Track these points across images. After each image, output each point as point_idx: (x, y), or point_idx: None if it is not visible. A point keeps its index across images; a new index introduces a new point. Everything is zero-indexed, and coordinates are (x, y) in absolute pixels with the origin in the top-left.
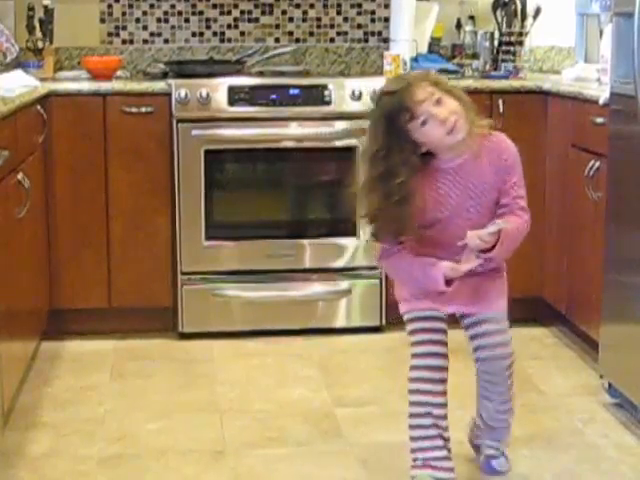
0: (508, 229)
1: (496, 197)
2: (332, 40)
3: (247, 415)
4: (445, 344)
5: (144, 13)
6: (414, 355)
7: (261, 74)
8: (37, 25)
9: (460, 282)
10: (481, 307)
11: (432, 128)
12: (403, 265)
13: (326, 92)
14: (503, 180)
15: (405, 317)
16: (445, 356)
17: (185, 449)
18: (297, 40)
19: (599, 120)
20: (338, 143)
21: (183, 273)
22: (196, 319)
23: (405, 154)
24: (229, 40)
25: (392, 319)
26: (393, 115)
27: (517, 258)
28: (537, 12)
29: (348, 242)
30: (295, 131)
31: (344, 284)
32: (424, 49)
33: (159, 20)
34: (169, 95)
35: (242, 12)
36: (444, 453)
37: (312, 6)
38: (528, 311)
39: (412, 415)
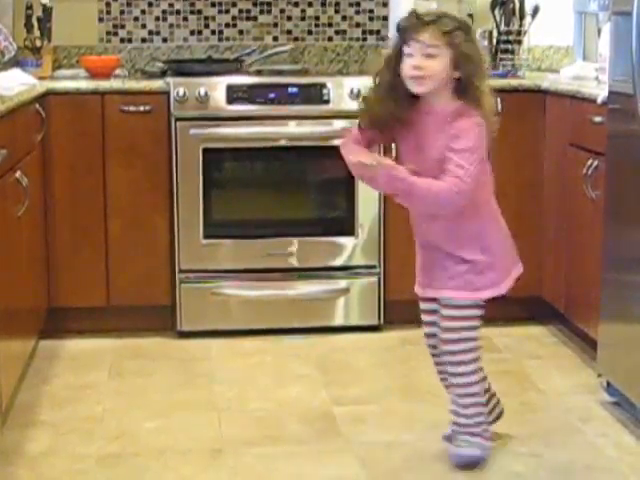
0: (417, 183)
1: (439, 158)
2: (330, 39)
3: (245, 414)
4: (433, 324)
5: (142, 12)
6: None
7: (259, 73)
8: (35, 23)
9: (426, 269)
10: (434, 290)
11: (406, 65)
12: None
13: (324, 91)
14: (448, 147)
15: None
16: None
17: (184, 448)
18: (295, 39)
19: (597, 119)
20: (337, 142)
21: (181, 271)
22: (194, 318)
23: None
24: (227, 39)
25: (390, 318)
26: (402, 30)
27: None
28: (535, 11)
29: (346, 241)
30: (293, 130)
31: (342, 283)
32: None
33: (157, 19)
34: (167, 94)
35: (240, 11)
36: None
37: (310, 4)
38: (527, 310)
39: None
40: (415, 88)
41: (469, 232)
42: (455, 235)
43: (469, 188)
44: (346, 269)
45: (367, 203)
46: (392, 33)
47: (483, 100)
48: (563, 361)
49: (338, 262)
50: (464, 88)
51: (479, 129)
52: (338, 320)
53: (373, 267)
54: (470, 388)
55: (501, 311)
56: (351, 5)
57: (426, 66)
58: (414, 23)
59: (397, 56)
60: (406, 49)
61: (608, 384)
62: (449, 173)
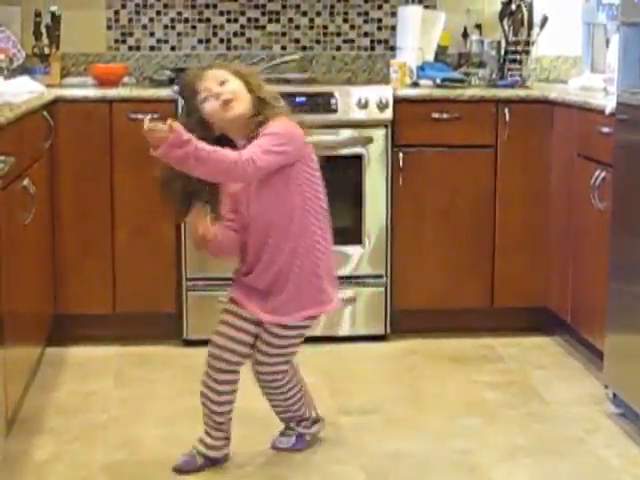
0: (204, 146)
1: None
2: (338, 48)
3: (251, 422)
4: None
5: (150, 20)
6: None
7: (267, 81)
8: (44, 31)
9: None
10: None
11: (210, 103)
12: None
13: (332, 100)
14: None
15: None
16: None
17: None
18: (303, 48)
19: (605, 130)
20: (344, 151)
21: (188, 279)
22: (201, 326)
23: (199, 133)
24: (235, 47)
25: (397, 328)
26: (186, 95)
27: (521, 268)
28: (544, 21)
29: (353, 250)
30: None
31: (349, 292)
32: (431, 57)
33: (166, 27)
34: (175, 102)
35: (249, 19)
36: None
37: (319, 14)
38: (532, 320)
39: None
40: (233, 111)
41: None
42: None
43: (259, 165)
44: (353, 278)
45: (374, 213)
46: (399, 43)
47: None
48: (569, 372)
49: (345, 271)
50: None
51: (289, 124)
52: (345, 329)
53: (380, 277)
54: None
55: (507, 321)
56: (359, 14)
57: (228, 89)
58: (195, 73)
59: (194, 117)
60: (199, 98)
61: (614, 395)
62: (247, 150)
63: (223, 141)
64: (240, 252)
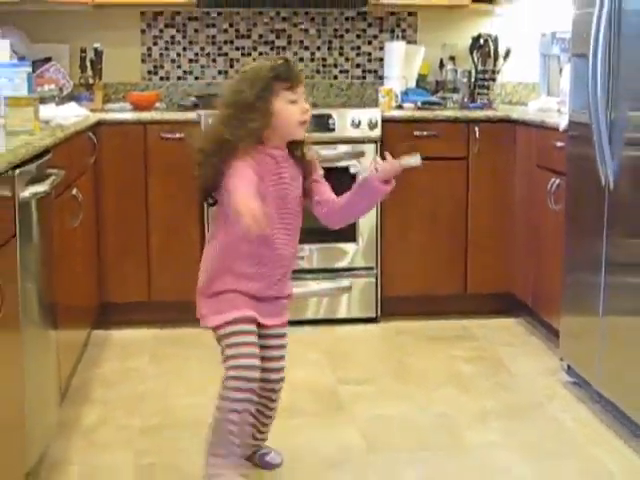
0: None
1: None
2: (335, 77)
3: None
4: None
5: (178, 55)
6: None
7: None
8: (88, 65)
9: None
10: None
11: (295, 110)
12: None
13: (330, 120)
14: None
15: None
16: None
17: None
18: (306, 77)
19: (559, 144)
20: (340, 164)
21: None
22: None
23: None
24: None
25: (386, 312)
26: (278, 75)
27: (490, 260)
28: (507, 53)
29: (349, 247)
30: None
31: (345, 282)
32: (412, 84)
33: (191, 60)
34: (199, 123)
35: (260, 53)
36: None
37: (319, 48)
38: (500, 305)
39: None
40: (303, 132)
41: None
42: None
43: None
44: (349, 270)
45: (366, 216)
46: (386, 73)
47: None
48: (530, 348)
49: (342, 264)
50: None
51: None
52: (342, 313)
53: (371, 269)
54: None
55: (478, 306)
56: (352, 49)
57: (310, 110)
58: (297, 72)
59: (265, 99)
60: (288, 93)
61: (568, 367)
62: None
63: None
64: (254, 266)
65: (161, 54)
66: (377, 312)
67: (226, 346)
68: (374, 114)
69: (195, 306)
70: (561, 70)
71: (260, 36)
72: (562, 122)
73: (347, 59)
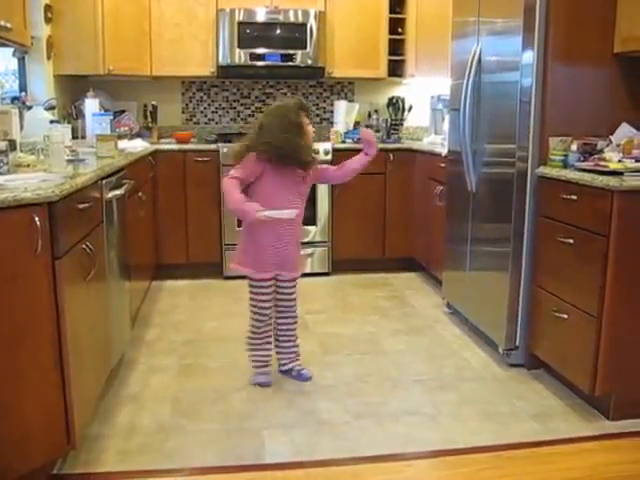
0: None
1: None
2: None
3: None
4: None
5: (204, 108)
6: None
7: None
8: (148, 114)
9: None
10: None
11: (311, 129)
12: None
13: None
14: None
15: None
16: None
17: (229, 336)
18: None
19: (442, 164)
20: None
21: (226, 244)
22: (232, 269)
23: (299, 128)
24: (248, 122)
25: (335, 269)
26: (301, 106)
27: (400, 236)
28: (410, 108)
29: (312, 228)
30: None
31: (309, 250)
32: (351, 127)
33: (213, 112)
34: (217, 152)
35: (257, 108)
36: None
37: None
38: (406, 265)
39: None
40: (311, 145)
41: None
42: None
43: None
44: (312, 243)
45: (322, 208)
46: (335, 120)
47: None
48: (424, 291)
49: (307, 239)
50: None
51: None
52: (308, 269)
53: (325, 242)
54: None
55: (392, 265)
56: (314, 105)
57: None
58: (308, 105)
59: (298, 120)
60: (307, 119)
61: (447, 303)
62: (329, 167)
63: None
64: (270, 234)
65: (194, 108)
66: (329, 269)
67: None
68: (328, 146)
69: (215, 265)
70: (443, 118)
71: (256, 97)
72: (444, 151)
73: (311, 111)
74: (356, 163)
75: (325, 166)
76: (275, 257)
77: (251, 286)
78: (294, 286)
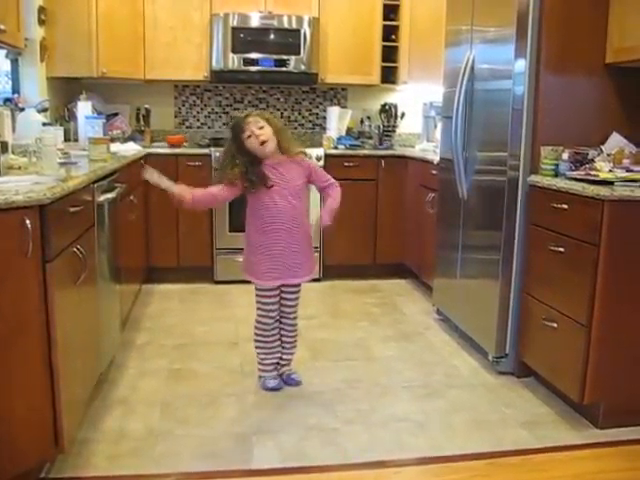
0: (335, 197)
1: (302, 183)
2: (296, 128)
3: (250, 323)
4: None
5: (197, 112)
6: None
7: None
8: (141, 117)
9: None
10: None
11: (251, 140)
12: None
13: None
14: (307, 174)
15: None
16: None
17: (217, 341)
18: None
19: (434, 172)
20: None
21: (217, 249)
22: (224, 273)
23: (241, 157)
24: None
25: (326, 274)
26: (235, 131)
27: (390, 243)
28: (402, 115)
29: None
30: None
31: None
32: (343, 133)
33: (205, 116)
34: (210, 156)
35: (247, 115)
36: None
37: (285, 110)
38: (396, 271)
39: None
40: (266, 149)
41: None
42: None
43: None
44: None
45: (313, 213)
46: (327, 126)
47: (294, 149)
48: (415, 297)
49: None
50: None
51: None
52: None
53: (317, 247)
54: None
55: (383, 271)
56: (307, 111)
57: (264, 133)
58: (241, 119)
59: (240, 147)
60: (244, 134)
61: (437, 310)
62: (331, 181)
63: (255, 161)
64: (269, 239)
65: (187, 112)
66: (320, 274)
67: None
68: (320, 151)
69: (206, 269)
70: (436, 126)
71: (249, 102)
72: (436, 158)
73: (303, 117)
74: (331, 197)
75: (323, 174)
76: (272, 263)
77: (256, 289)
78: (293, 292)
